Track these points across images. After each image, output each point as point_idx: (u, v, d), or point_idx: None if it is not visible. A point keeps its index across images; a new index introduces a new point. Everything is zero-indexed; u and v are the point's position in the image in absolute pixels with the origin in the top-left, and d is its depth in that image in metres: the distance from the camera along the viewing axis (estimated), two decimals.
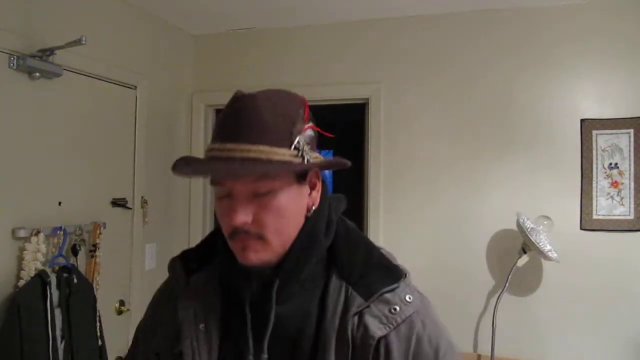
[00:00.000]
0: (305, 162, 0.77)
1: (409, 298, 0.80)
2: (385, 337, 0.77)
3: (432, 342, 0.80)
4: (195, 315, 0.86)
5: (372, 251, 0.87)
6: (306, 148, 0.77)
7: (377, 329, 0.77)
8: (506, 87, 2.45)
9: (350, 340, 0.77)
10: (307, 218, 0.83)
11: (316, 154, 0.81)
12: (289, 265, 0.81)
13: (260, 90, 0.80)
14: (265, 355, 0.80)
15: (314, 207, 0.84)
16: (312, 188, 0.84)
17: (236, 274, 0.83)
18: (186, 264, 0.91)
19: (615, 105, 2.31)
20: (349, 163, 0.81)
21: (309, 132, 0.80)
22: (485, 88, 2.48)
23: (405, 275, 0.82)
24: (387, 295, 0.79)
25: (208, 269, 0.89)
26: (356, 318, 0.78)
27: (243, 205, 0.76)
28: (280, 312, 0.80)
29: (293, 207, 0.80)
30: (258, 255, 0.79)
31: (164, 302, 0.93)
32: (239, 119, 0.76)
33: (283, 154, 0.75)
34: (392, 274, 0.82)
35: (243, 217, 0.76)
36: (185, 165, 0.81)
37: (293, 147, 0.76)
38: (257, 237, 0.78)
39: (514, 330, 2.37)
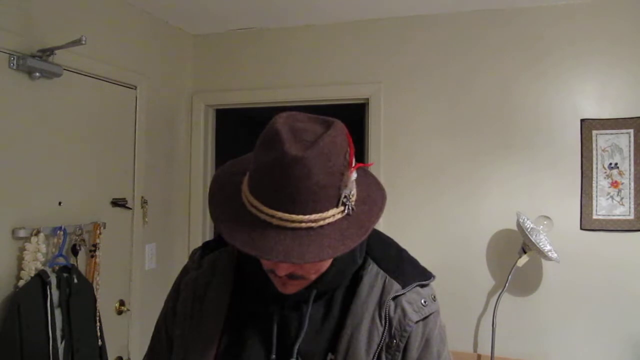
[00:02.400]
0: (351, 211, 0.75)
1: (434, 297, 0.90)
2: (416, 323, 0.85)
3: (438, 346, 0.88)
4: (195, 290, 0.91)
5: (403, 251, 0.95)
6: (351, 197, 0.75)
7: (413, 314, 0.85)
8: (506, 87, 2.46)
9: (387, 320, 0.84)
10: None
11: (352, 179, 0.76)
12: (330, 279, 0.84)
13: (310, 142, 0.71)
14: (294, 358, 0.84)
15: None
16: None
17: (263, 283, 0.85)
18: (204, 250, 0.97)
19: (615, 105, 2.31)
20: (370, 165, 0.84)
21: (353, 175, 0.75)
22: (485, 88, 2.48)
23: (434, 277, 0.92)
24: (419, 289, 0.88)
25: (221, 251, 0.95)
26: (392, 302, 0.85)
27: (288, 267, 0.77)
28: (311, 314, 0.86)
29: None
30: (298, 289, 0.83)
31: (184, 280, 0.97)
32: (290, 184, 0.70)
33: (332, 215, 0.73)
34: (424, 272, 0.92)
35: (286, 269, 0.77)
36: (237, 235, 0.73)
37: (341, 202, 0.74)
38: (299, 278, 0.80)
39: (514, 330, 2.37)
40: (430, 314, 0.88)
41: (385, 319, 0.84)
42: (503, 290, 2.28)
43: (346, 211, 0.74)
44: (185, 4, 2.51)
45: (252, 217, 0.73)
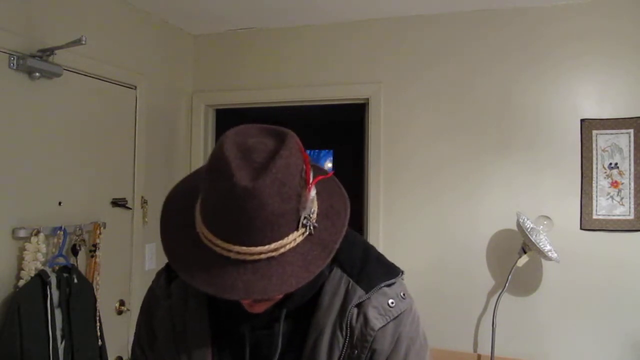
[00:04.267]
0: (313, 229, 0.72)
1: (404, 295, 0.86)
2: (380, 329, 0.82)
3: (407, 342, 0.85)
4: (173, 325, 0.88)
5: (369, 249, 0.90)
6: (311, 216, 0.71)
7: (376, 320, 0.81)
8: (506, 87, 2.46)
9: (348, 329, 0.81)
10: None
11: (311, 198, 0.72)
12: (299, 295, 0.82)
13: (261, 164, 0.67)
14: None
15: None
16: None
17: (233, 305, 0.83)
18: (169, 273, 0.92)
19: (615, 105, 2.31)
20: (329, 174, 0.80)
21: (312, 196, 0.71)
22: (485, 88, 2.48)
23: (402, 272, 0.88)
24: (386, 289, 0.84)
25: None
26: (356, 309, 0.82)
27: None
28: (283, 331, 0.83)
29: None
30: (266, 307, 0.80)
31: (158, 303, 0.93)
32: (243, 216, 0.66)
33: (293, 239, 0.70)
34: (391, 270, 0.87)
35: (260, 309, 0.78)
36: (195, 273, 0.69)
37: (302, 224, 0.70)
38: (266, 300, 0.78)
39: (514, 330, 2.37)
40: (400, 314, 0.84)
41: (347, 329, 0.81)
42: (503, 290, 2.28)
43: (307, 232, 0.71)
44: (185, 4, 2.51)
45: (208, 251, 0.69)
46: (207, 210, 0.70)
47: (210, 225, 0.69)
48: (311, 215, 0.71)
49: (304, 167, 0.70)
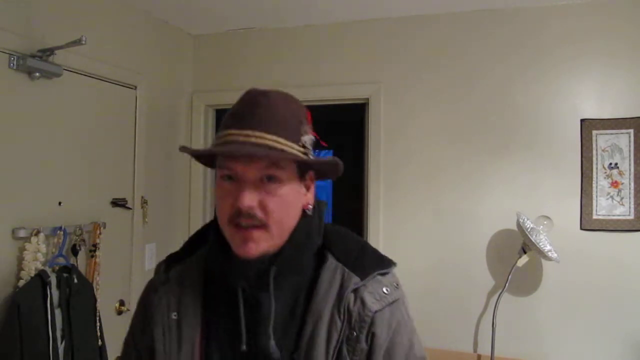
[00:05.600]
0: (312, 157, 0.84)
1: (397, 285, 0.90)
2: (377, 312, 0.85)
3: (408, 335, 0.88)
4: (168, 305, 0.91)
5: (365, 244, 0.96)
6: (311, 149, 0.85)
7: (373, 304, 0.85)
8: (506, 87, 2.45)
9: (346, 313, 0.84)
10: (304, 215, 0.89)
11: (311, 137, 0.87)
12: (288, 254, 0.86)
13: (271, 89, 0.87)
14: (272, 342, 0.83)
15: (309, 206, 0.90)
16: (307, 189, 0.90)
17: (227, 264, 0.87)
18: (169, 263, 0.97)
19: (615, 105, 2.31)
20: (341, 168, 0.89)
21: (312, 137, 0.86)
22: (485, 88, 2.48)
23: (394, 264, 0.92)
24: (380, 277, 0.89)
25: (186, 261, 0.95)
26: (352, 294, 0.85)
27: (251, 189, 0.81)
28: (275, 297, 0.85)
29: (294, 200, 0.86)
30: (259, 247, 0.82)
31: (151, 297, 0.96)
32: (256, 110, 0.82)
33: (293, 147, 0.82)
34: (384, 260, 0.92)
35: (249, 200, 0.80)
36: (196, 149, 0.89)
37: (301, 144, 0.83)
38: (260, 225, 0.81)
39: (514, 330, 2.37)
40: (395, 301, 0.88)
41: (344, 312, 0.84)
42: (503, 290, 2.28)
43: (305, 154, 0.83)
44: (185, 4, 2.51)
45: (222, 142, 0.82)
46: (227, 118, 0.86)
47: (227, 125, 0.84)
48: (310, 148, 0.84)
49: (308, 115, 0.88)
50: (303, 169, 0.87)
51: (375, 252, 0.93)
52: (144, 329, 0.94)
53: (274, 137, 0.80)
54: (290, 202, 0.85)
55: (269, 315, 0.84)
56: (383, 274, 0.89)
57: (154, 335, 0.90)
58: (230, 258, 0.86)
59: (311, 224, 0.90)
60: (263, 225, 0.82)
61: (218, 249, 0.88)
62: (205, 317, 0.90)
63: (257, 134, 0.80)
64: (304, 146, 0.84)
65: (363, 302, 0.85)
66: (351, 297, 0.85)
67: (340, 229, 0.97)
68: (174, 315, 0.90)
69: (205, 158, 0.96)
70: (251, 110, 0.83)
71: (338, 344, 0.83)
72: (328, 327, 0.84)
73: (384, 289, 0.87)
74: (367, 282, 0.87)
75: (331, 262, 0.89)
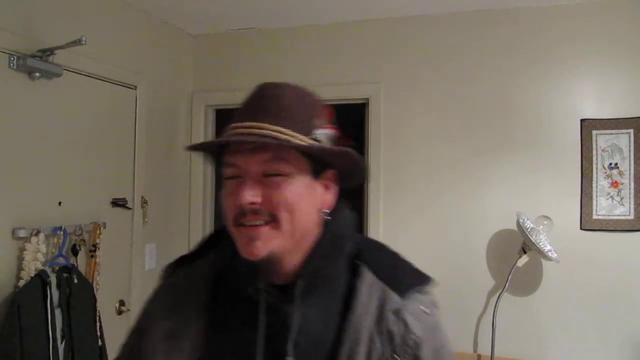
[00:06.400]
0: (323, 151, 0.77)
1: (434, 304, 0.83)
2: (421, 336, 0.78)
3: (449, 357, 0.82)
4: (164, 313, 0.84)
5: (395, 253, 0.88)
6: (326, 143, 0.78)
7: (415, 326, 0.78)
8: (506, 87, 2.45)
9: (386, 335, 0.77)
10: (330, 218, 0.81)
11: (326, 132, 0.81)
12: (315, 264, 0.79)
13: (286, 82, 0.83)
14: (291, 358, 0.76)
15: (327, 209, 0.81)
16: (325, 188, 0.81)
17: (243, 272, 0.80)
18: (177, 266, 0.92)
19: (615, 105, 2.31)
20: (360, 164, 0.83)
21: (329, 131, 0.79)
22: (485, 88, 2.48)
23: (432, 279, 0.85)
24: (420, 296, 0.81)
25: (193, 265, 0.89)
26: (392, 315, 0.78)
27: (253, 184, 0.74)
28: (301, 313, 0.78)
29: (304, 197, 0.77)
30: (266, 245, 0.75)
31: (148, 303, 0.92)
32: (261, 101, 0.78)
33: (301, 139, 0.75)
34: (422, 276, 0.84)
35: (251, 195, 0.73)
36: (199, 143, 0.86)
37: (312, 137, 0.76)
38: (267, 220, 0.74)
39: (514, 330, 2.36)
40: (435, 322, 0.81)
41: (386, 333, 0.77)
42: (503, 290, 2.28)
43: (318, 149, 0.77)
44: (185, 4, 2.51)
45: (225, 136, 0.78)
46: (237, 112, 0.80)
47: (236, 119, 0.79)
48: (324, 143, 0.77)
49: (327, 110, 0.82)
50: (318, 165, 0.78)
51: (411, 266, 0.87)
52: (138, 336, 0.88)
53: (278, 128, 0.74)
54: (299, 198, 0.76)
55: (290, 330, 0.76)
56: (421, 292, 0.82)
57: (145, 344, 0.83)
58: (244, 267, 0.79)
59: (338, 229, 0.82)
60: (272, 220, 0.74)
61: (229, 254, 0.81)
62: (207, 329, 0.82)
63: (259, 124, 0.74)
64: (315, 140, 0.76)
65: (406, 324, 0.77)
66: (391, 317, 0.78)
67: (371, 239, 0.92)
68: (167, 325, 0.82)
69: (216, 158, 0.86)
70: (258, 101, 0.78)
71: None
72: (367, 350, 0.76)
73: (424, 309, 0.80)
74: (407, 301, 0.79)
75: (367, 275, 0.81)
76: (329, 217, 0.81)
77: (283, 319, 0.77)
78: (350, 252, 0.83)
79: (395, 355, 0.76)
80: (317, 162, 0.78)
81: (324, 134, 0.78)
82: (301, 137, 0.75)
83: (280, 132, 0.74)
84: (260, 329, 0.77)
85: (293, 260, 0.79)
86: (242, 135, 0.74)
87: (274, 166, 0.75)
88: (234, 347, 0.80)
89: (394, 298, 0.79)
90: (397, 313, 0.78)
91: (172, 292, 0.88)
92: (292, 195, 0.75)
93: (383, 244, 0.90)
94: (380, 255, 0.86)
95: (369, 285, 0.80)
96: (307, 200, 0.77)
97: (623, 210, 2.28)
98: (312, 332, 0.78)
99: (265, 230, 0.75)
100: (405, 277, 0.83)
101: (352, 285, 0.81)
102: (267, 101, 0.77)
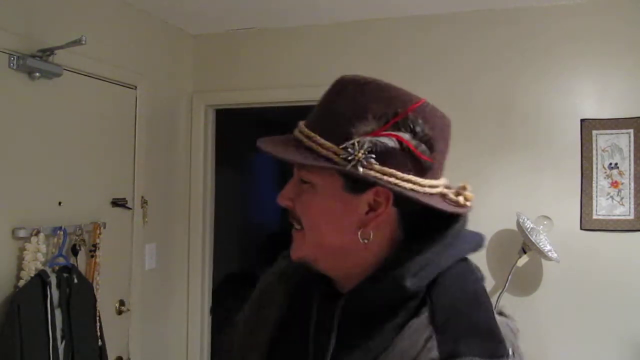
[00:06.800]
0: (350, 167, 0.64)
1: None
2: None
3: None
4: (254, 298, 0.85)
5: (482, 311, 0.68)
6: (362, 154, 0.64)
7: None
8: (506, 87, 2.45)
9: None
10: (396, 248, 0.71)
11: (391, 171, 0.65)
12: (359, 287, 0.70)
13: (367, 77, 0.74)
14: None
15: (369, 231, 0.69)
16: (373, 209, 0.69)
17: (306, 274, 0.78)
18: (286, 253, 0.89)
19: (615, 105, 2.31)
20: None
21: (384, 140, 0.65)
22: (485, 88, 2.48)
23: (508, 355, 0.64)
24: None
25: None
26: None
27: (289, 187, 0.73)
28: (343, 339, 0.70)
29: (333, 212, 0.69)
30: (296, 251, 0.74)
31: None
32: (322, 98, 0.73)
33: (325, 146, 0.66)
34: (492, 345, 0.63)
35: (283, 197, 0.73)
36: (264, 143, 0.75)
37: (343, 146, 0.65)
38: (299, 225, 0.72)
39: None
40: None
41: None
42: (503, 290, 2.28)
43: (347, 159, 0.64)
44: (185, 4, 2.51)
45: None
46: None
47: None
48: (360, 155, 0.63)
49: (400, 114, 0.67)
50: (350, 181, 0.67)
51: (488, 327, 0.65)
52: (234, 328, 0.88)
53: (309, 133, 0.68)
54: (322, 212, 0.69)
55: (327, 350, 0.69)
56: None
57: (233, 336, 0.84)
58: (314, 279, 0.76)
59: (398, 260, 0.67)
60: (302, 227, 0.72)
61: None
62: (275, 332, 0.78)
63: (301, 126, 0.70)
64: (347, 149, 0.64)
65: None
66: None
67: (464, 283, 0.70)
68: (250, 313, 0.83)
69: None
70: (323, 96, 0.72)
71: None
72: None
73: None
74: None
75: (422, 318, 0.65)
76: (366, 240, 0.69)
77: (325, 340, 0.71)
78: (409, 285, 0.66)
79: None
80: (348, 178, 0.67)
81: (373, 142, 0.64)
82: (330, 145, 0.66)
83: (309, 138, 0.68)
84: (311, 344, 0.73)
85: (338, 274, 0.74)
86: (274, 139, 0.73)
87: (302, 173, 0.71)
88: (289, 353, 0.76)
89: (433, 354, 0.61)
90: None
91: (258, 289, 0.87)
92: (313, 205, 0.70)
93: (474, 292, 0.70)
94: (454, 303, 0.66)
95: (417, 330, 0.64)
96: (336, 216, 0.70)
97: (623, 210, 2.28)
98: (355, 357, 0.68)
99: (298, 235, 0.73)
100: (465, 338, 0.62)
101: (411, 317, 0.66)
102: (323, 99, 0.72)
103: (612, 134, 2.30)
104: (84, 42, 1.85)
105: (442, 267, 0.69)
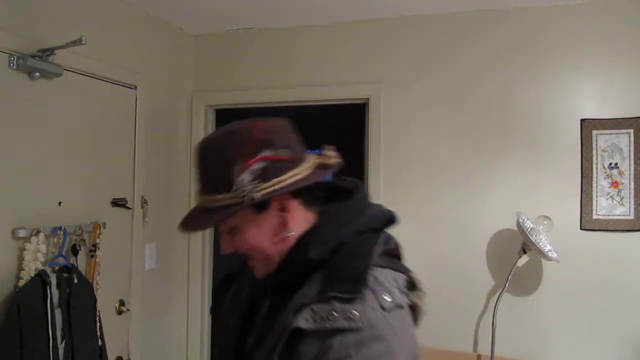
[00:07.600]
0: (246, 199, 0.82)
1: (355, 314, 0.76)
2: (304, 332, 0.78)
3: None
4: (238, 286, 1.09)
5: (358, 263, 0.83)
6: (249, 187, 0.82)
7: (300, 320, 0.78)
8: (506, 87, 2.45)
9: (288, 325, 0.80)
10: (303, 234, 0.89)
11: (276, 180, 0.83)
12: (278, 267, 0.91)
13: (212, 134, 0.92)
14: (252, 337, 0.95)
15: (290, 228, 0.89)
16: (284, 209, 0.89)
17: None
18: None
19: (615, 105, 2.31)
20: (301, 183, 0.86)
21: (256, 166, 0.83)
22: (485, 88, 2.48)
23: (366, 292, 0.78)
24: (336, 303, 0.77)
25: None
26: (305, 308, 0.80)
27: (224, 239, 0.92)
28: (273, 301, 0.93)
29: (263, 234, 0.89)
30: (258, 271, 0.94)
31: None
32: (196, 169, 0.90)
33: (222, 199, 0.84)
34: (354, 285, 0.79)
35: (225, 249, 0.92)
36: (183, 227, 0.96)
37: (235, 188, 0.82)
38: (249, 258, 0.92)
39: (514, 330, 2.37)
40: (335, 330, 0.75)
41: (288, 324, 0.80)
42: (503, 290, 2.28)
43: (241, 197, 0.82)
44: (185, 4, 2.51)
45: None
46: None
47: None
48: (247, 188, 0.82)
49: (249, 145, 0.83)
50: (254, 207, 0.85)
51: (357, 272, 0.81)
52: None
53: (206, 197, 0.87)
54: (254, 237, 0.88)
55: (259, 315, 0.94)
56: (343, 300, 0.77)
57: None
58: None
59: (301, 243, 0.87)
60: (251, 257, 0.92)
61: None
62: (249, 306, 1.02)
63: (198, 197, 0.89)
64: (236, 190, 0.82)
65: (296, 317, 0.78)
66: (303, 310, 0.79)
67: (356, 246, 0.87)
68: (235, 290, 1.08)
69: None
70: (195, 169, 0.90)
71: (275, 352, 0.80)
72: (278, 333, 0.81)
73: (332, 313, 0.76)
74: (318, 300, 0.79)
75: (319, 273, 0.83)
76: (292, 233, 0.88)
77: (263, 303, 0.96)
78: (312, 255, 0.85)
79: (285, 347, 0.80)
80: (253, 206, 0.84)
81: (250, 172, 0.82)
82: (222, 196, 0.83)
83: (210, 200, 0.85)
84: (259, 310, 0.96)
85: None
86: (188, 216, 0.92)
87: (224, 225, 0.90)
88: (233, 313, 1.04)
89: (312, 293, 0.80)
90: (306, 307, 0.79)
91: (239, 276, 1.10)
92: (246, 239, 0.89)
93: (361, 247, 0.87)
94: (343, 259, 0.84)
95: (315, 279, 0.83)
96: (266, 235, 0.89)
97: (623, 210, 2.28)
98: (274, 317, 0.88)
99: (253, 262, 0.93)
100: (337, 281, 0.80)
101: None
102: (197, 169, 0.89)
103: (612, 134, 2.30)
104: (84, 42, 1.85)
105: (342, 238, 0.86)
